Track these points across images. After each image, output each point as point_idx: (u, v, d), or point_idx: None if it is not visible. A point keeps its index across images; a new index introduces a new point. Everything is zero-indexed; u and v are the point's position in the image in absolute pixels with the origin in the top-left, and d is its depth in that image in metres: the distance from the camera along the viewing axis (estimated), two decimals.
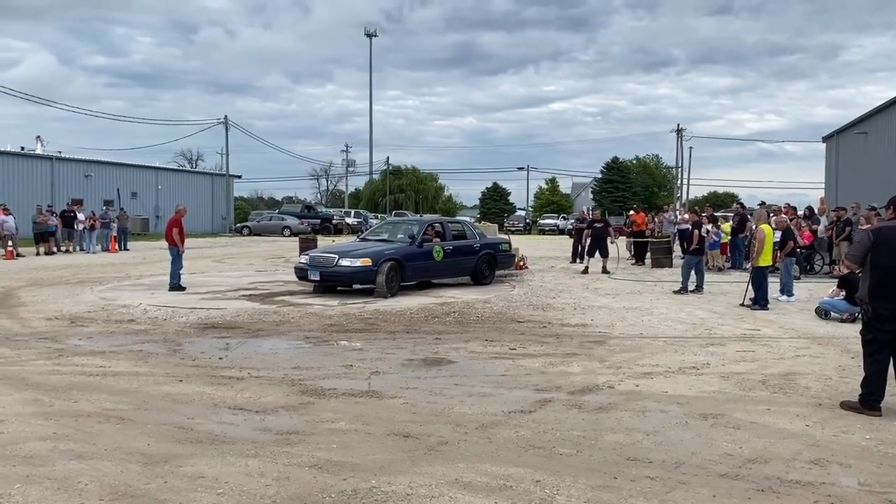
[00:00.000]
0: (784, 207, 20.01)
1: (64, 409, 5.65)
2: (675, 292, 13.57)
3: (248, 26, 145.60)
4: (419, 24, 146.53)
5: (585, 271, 17.95)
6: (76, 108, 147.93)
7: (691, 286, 13.70)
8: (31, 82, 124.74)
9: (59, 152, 41.18)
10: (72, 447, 4.72)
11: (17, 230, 23.07)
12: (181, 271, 13.78)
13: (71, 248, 25.28)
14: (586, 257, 18.68)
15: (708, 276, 14.94)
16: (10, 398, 5.94)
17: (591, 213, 22.14)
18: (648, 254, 20.37)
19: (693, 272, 13.82)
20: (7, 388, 6.29)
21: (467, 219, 30.81)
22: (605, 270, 17.83)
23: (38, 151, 39.99)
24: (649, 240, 21.07)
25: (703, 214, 20.41)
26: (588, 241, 18.94)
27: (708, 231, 17.11)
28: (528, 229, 56.05)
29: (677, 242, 21.90)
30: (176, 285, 13.50)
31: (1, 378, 6.64)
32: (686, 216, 22.67)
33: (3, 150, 36.58)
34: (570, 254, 22.35)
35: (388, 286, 12.56)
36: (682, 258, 21.06)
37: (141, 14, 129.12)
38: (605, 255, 18.24)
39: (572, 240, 23.35)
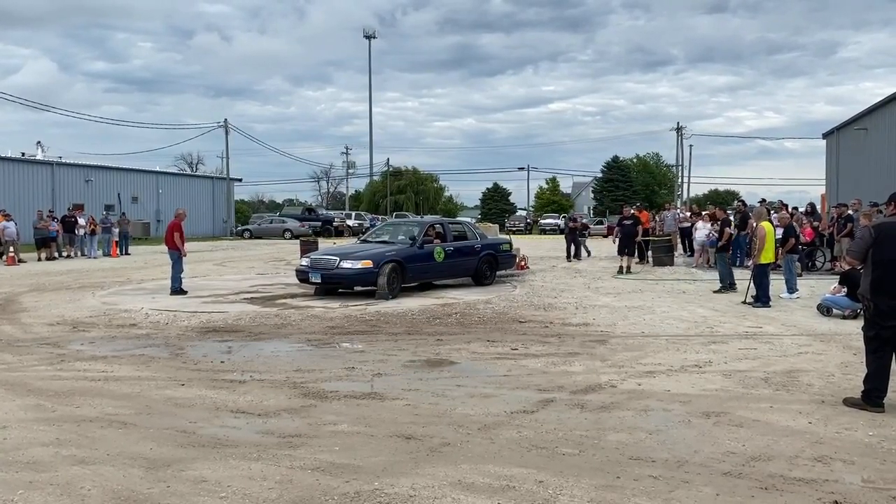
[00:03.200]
0: (778, 205, 20.00)
1: (66, 414, 5.65)
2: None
3: (245, 31, 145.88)
4: (416, 27, 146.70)
5: (628, 271, 17.28)
6: (76, 113, 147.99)
7: (700, 284, 13.69)
8: (31, 88, 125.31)
9: (60, 157, 41.14)
10: (74, 452, 4.72)
11: (18, 236, 23.08)
12: (182, 275, 13.79)
13: (72, 254, 25.27)
14: (619, 257, 18.01)
15: (710, 274, 14.92)
16: (13, 404, 5.94)
17: (623, 209, 19.58)
18: (649, 252, 20.33)
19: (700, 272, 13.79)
20: (9, 393, 6.29)
21: (468, 219, 30.83)
22: (628, 269, 17.33)
23: (39, 157, 39.95)
24: (651, 238, 21.04)
25: (704, 213, 20.38)
26: (617, 239, 18.57)
27: (711, 231, 17.11)
28: (529, 229, 56.03)
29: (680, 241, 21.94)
30: (177, 289, 13.50)
31: (3, 384, 6.64)
32: (688, 214, 22.69)
33: (3, 155, 36.51)
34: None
35: (390, 288, 12.56)
36: (681, 255, 21.21)
37: (140, 20, 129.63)
38: (631, 254, 17.87)
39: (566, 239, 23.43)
